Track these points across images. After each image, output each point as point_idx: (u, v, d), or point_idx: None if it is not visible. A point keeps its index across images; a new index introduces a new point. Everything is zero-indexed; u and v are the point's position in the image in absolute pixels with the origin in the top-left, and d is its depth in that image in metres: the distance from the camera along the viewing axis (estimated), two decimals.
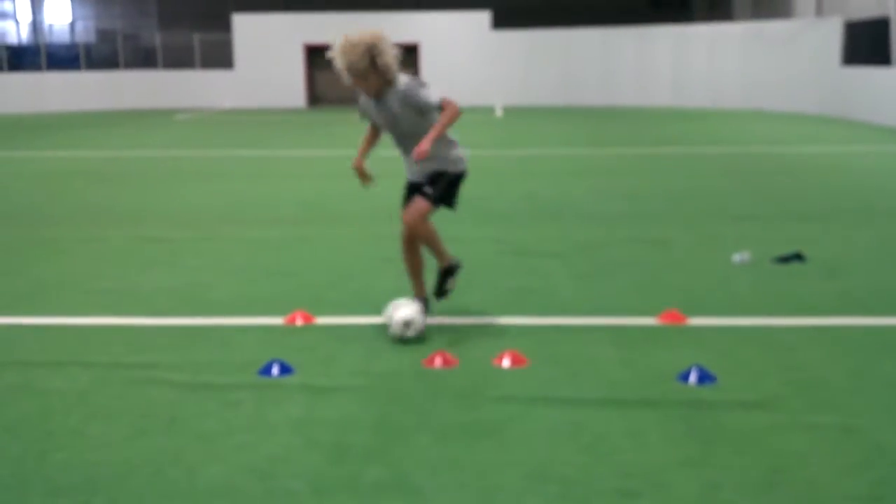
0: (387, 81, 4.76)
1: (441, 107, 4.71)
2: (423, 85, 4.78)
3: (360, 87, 4.81)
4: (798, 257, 6.63)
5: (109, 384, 4.23)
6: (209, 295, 5.90)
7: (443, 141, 4.87)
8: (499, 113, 26.12)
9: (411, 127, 4.86)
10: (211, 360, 4.57)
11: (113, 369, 4.44)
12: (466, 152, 5.10)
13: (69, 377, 4.33)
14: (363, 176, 5.15)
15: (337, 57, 4.67)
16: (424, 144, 4.63)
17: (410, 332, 4.78)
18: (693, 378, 4.17)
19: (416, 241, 5.07)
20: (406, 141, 4.95)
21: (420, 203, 4.90)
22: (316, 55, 32.20)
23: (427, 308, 5.10)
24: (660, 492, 3.13)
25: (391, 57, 4.67)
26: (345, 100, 32.41)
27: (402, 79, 4.81)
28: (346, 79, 4.76)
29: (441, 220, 8.54)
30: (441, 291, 5.17)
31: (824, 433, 3.60)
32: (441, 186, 4.93)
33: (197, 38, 32.53)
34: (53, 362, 4.56)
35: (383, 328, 5.09)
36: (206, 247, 7.48)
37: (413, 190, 5.08)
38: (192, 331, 5.11)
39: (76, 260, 7.04)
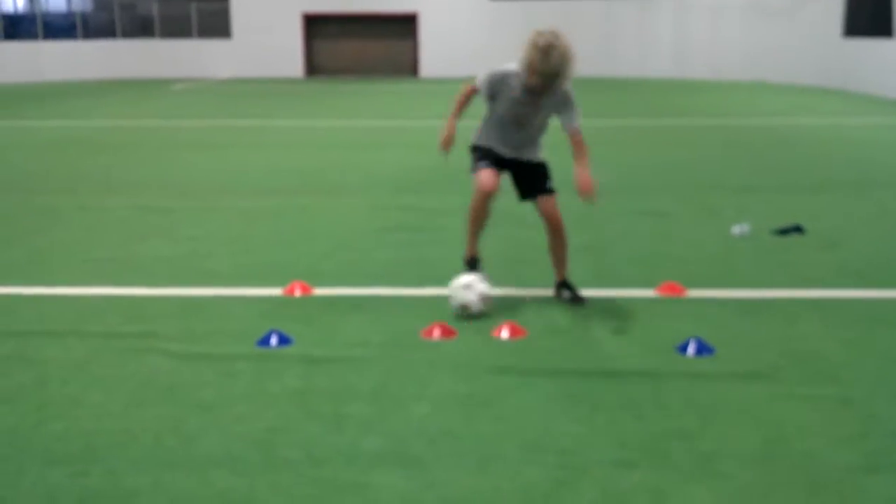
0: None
1: (579, 133, 4.94)
2: (577, 104, 4.92)
3: (535, 84, 4.68)
4: (797, 229, 6.62)
5: (107, 354, 4.23)
6: (207, 265, 5.89)
7: (542, 141, 5.13)
8: None
9: (536, 127, 5.00)
10: (209, 330, 4.57)
11: (110, 339, 4.43)
12: None
13: (66, 347, 4.33)
14: (450, 142, 5.06)
15: (564, 60, 4.58)
16: (589, 182, 4.86)
17: (472, 311, 4.71)
18: (691, 350, 4.17)
19: (488, 205, 5.03)
20: (522, 130, 5.00)
21: (554, 199, 5.06)
22: (314, 24, 32.00)
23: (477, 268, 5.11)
24: (657, 462, 3.14)
25: None
26: (343, 70, 32.27)
27: (567, 85, 4.82)
28: (537, 78, 4.62)
29: (437, 192, 8.55)
30: (576, 297, 5.03)
31: (821, 404, 3.61)
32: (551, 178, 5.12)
33: (194, 7, 32.29)
34: (50, 332, 4.55)
35: (382, 299, 5.09)
36: (204, 217, 7.46)
37: (503, 164, 5.06)
38: (190, 301, 5.10)
39: (74, 229, 7.03)
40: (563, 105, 4.88)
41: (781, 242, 6.37)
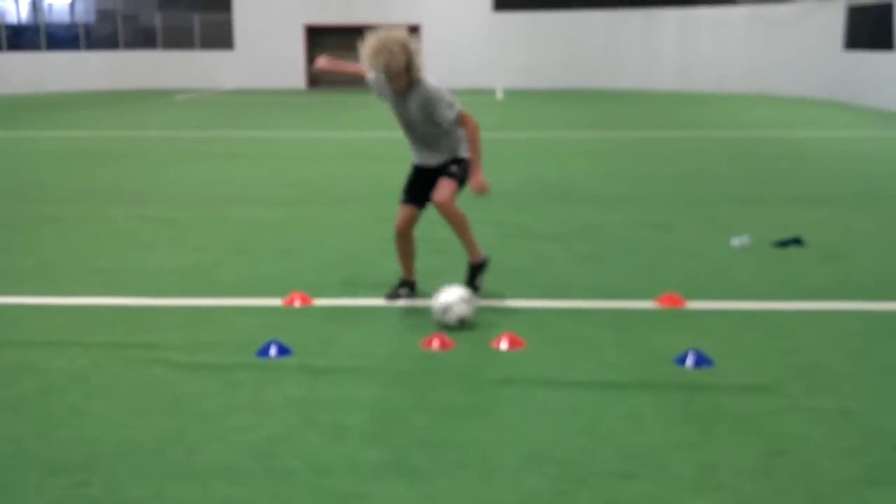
0: (414, 80, 4.87)
1: (459, 121, 4.91)
2: (445, 97, 4.89)
3: (389, 83, 4.93)
4: (797, 242, 6.63)
5: (110, 364, 4.25)
6: (210, 275, 5.91)
7: (454, 138, 5.05)
8: (500, 95, 26.04)
9: (424, 128, 5.01)
10: (212, 340, 4.58)
11: (114, 349, 4.45)
12: None
13: (70, 356, 4.34)
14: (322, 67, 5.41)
15: (374, 55, 4.70)
16: (480, 179, 4.93)
17: (449, 318, 4.70)
18: (690, 362, 4.18)
19: (410, 231, 5.16)
20: (416, 134, 5.08)
21: (448, 182, 5.04)
22: (316, 36, 32.10)
23: (413, 291, 5.29)
24: (657, 473, 3.14)
25: (420, 57, 4.82)
26: (345, 82, 32.33)
27: (429, 82, 4.90)
28: (374, 74, 4.93)
29: None
30: (473, 287, 5.19)
31: (822, 416, 3.61)
32: (462, 168, 5.08)
33: (197, 19, 32.41)
34: (55, 342, 4.57)
35: (382, 310, 5.10)
36: (207, 227, 7.48)
37: (423, 174, 5.15)
38: (193, 311, 5.12)
39: (79, 239, 7.05)
40: (428, 104, 4.90)
41: (782, 254, 6.38)
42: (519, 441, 3.41)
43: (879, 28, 20.97)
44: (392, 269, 6.00)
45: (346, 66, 5.44)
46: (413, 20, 31.19)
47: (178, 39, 32.61)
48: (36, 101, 25.04)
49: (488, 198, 8.65)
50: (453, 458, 3.26)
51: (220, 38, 32.34)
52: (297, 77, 31.96)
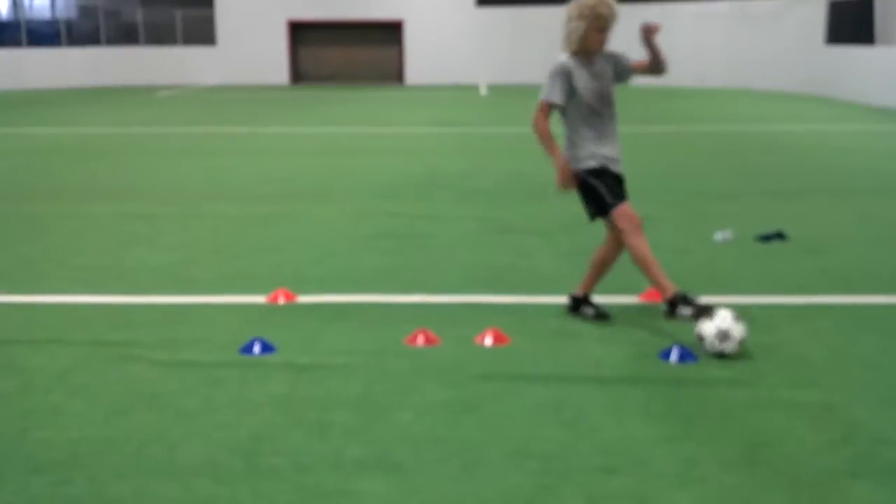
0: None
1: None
2: None
3: (579, 60, 4.74)
4: (780, 236, 6.66)
5: (91, 362, 4.22)
6: (192, 272, 5.88)
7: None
8: (483, 91, 26.03)
9: (614, 98, 4.84)
10: (193, 338, 4.56)
11: (94, 347, 4.42)
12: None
13: (50, 355, 4.31)
14: (570, 177, 4.76)
15: (615, 12, 4.73)
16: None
17: (728, 346, 4.21)
18: (674, 356, 4.19)
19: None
20: (607, 113, 4.78)
21: None
22: (299, 31, 32.00)
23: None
24: (640, 468, 3.15)
25: None
26: (328, 77, 32.26)
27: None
28: (598, 32, 4.71)
29: (424, 198, 8.56)
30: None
31: (804, 410, 3.63)
32: None
33: (179, 14, 32.24)
34: (34, 340, 4.53)
35: (366, 306, 5.09)
36: (189, 224, 7.45)
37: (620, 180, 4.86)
38: (174, 309, 5.09)
39: (59, 237, 7.00)
40: (615, 57, 4.90)
41: (765, 249, 6.41)
42: (502, 436, 3.41)
43: (860, 22, 21.10)
44: (373, 265, 5.99)
45: (554, 149, 4.72)
46: (396, 16, 31.15)
47: (160, 35, 32.45)
48: (16, 97, 24.85)
49: (470, 193, 8.70)
50: (436, 454, 3.26)
51: (203, 33, 32.20)
52: (279, 73, 31.85)
